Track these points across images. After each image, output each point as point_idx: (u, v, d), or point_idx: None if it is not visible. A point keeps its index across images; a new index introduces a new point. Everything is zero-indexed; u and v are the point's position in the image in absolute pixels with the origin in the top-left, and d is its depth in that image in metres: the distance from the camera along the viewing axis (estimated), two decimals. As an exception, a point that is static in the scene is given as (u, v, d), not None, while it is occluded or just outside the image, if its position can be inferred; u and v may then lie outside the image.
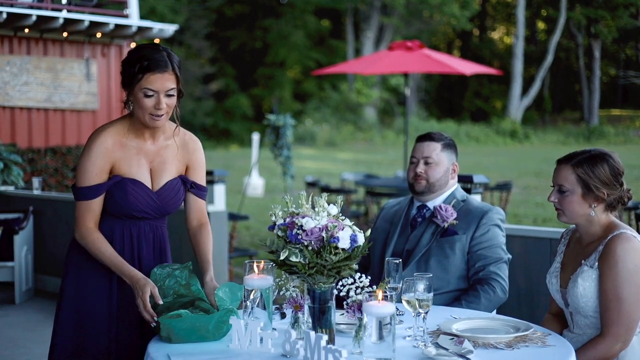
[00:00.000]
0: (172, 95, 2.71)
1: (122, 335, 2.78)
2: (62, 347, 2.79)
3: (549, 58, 29.80)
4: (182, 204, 2.94)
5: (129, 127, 2.79)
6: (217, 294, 2.48)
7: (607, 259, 2.61)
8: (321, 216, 2.27)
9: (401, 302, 2.48)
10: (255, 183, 15.70)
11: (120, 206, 2.75)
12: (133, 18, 10.38)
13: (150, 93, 2.66)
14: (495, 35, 37.88)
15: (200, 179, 2.93)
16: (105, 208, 2.77)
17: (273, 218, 2.32)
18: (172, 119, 2.82)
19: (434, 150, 3.37)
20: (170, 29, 10.65)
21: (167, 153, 2.83)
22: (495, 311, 3.29)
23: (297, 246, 2.24)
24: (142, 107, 2.68)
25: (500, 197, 9.94)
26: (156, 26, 10.42)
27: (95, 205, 2.74)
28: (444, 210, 3.30)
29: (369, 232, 2.37)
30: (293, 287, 2.46)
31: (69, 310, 2.80)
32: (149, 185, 2.79)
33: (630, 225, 6.42)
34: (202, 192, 2.93)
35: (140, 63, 2.64)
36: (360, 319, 2.23)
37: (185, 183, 2.88)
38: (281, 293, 2.50)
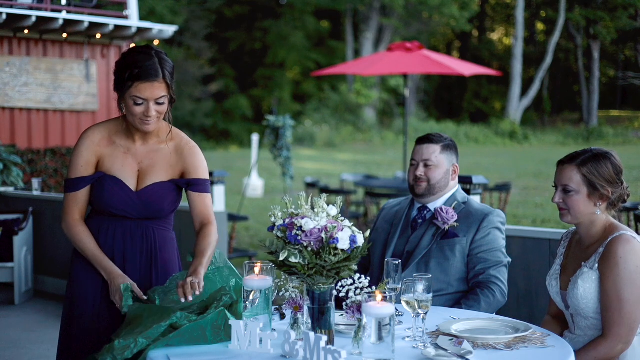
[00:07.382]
0: (163, 103, 2.70)
1: (105, 331, 2.76)
2: (60, 341, 2.85)
3: (548, 59, 29.80)
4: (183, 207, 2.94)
5: (121, 127, 2.81)
6: (207, 275, 2.61)
7: (608, 260, 2.62)
8: (320, 217, 2.27)
9: (400, 303, 2.48)
10: (255, 184, 15.70)
11: (99, 202, 2.78)
12: (132, 19, 10.37)
13: (140, 101, 2.67)
14: (495, 36, 37.88)
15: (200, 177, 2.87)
16: (91, 204, 2.82)
17: (272, 219, 2.32)
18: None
19: (433, 152, 3.36)
20: (169, 30, 10.66)
21: (157, 156, 2.82)
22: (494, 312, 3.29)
23: (297, 247, 2.24)
24: (132, 113, 2.71)
25: (500, 198, 9.94)
26: (156, 27, 10.42)
27: (81, 198, 2.78)
28: (444, 212, 3.30)
29: (368, 233, 2.37)
30: (292, 288, 2.46)
31: (67, 309, 2.84)
32: (130, 184, 2.77)
33: (629, 226, 6.42)
34: (201, 186, 2.84)
35: (130, 70, 2.64)
36: (360, 320, 2.23)
37: (179, 186, 2.84)
38: (280, 294, 2.50)
